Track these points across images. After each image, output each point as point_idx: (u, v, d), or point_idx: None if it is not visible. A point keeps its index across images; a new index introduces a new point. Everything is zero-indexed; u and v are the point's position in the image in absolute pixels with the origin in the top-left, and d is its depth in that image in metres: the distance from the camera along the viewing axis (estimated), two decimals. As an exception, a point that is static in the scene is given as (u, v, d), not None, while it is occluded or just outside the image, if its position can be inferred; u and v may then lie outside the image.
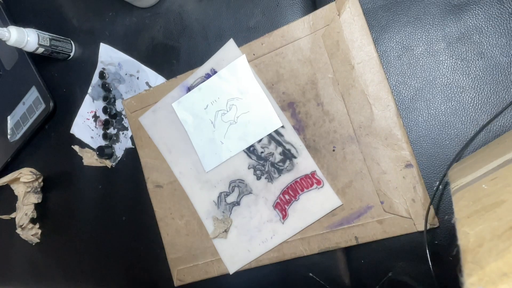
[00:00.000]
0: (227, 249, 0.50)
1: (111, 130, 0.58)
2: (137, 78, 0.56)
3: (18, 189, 0.63)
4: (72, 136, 0.61)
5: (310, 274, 0.48)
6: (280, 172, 0.47)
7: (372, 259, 0.44)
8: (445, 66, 0.41)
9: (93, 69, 0.59)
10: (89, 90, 0.59)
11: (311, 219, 0.46)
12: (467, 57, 0.40)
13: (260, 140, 0.48)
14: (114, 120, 0.58)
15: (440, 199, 0.41)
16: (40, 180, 0.63)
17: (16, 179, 0.62)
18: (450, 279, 0.41)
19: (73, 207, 0.62)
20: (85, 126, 0.60)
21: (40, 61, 0.61)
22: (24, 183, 0.62)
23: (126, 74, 0.57)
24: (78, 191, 0.58)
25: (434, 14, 0.41)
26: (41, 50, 0.56)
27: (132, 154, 0.57)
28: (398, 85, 0.43)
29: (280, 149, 0.47)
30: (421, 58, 0.42)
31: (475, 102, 0.40)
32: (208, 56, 0.50)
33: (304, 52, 0.45)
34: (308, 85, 0.46)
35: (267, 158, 0.48)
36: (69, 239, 0.57)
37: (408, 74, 0.42)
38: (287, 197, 0.47)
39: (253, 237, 0.49)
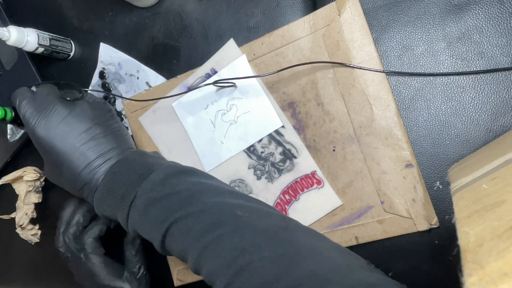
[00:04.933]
0: (227, 249, 0.50)
1: (111, 130, 0.58)
2: (137, 78, 0.56)
3: (20, 188, 0.63)
4: (72, 136, 0.61)
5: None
6: (280, 172, 0.47)
7: (372, 259, 0.44)
8: (445, 66, 0.41)
9: (93, 69, 0.59)
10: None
11: (311, 219, 0.46)
12: (468, 57, 0.40)
13: (260, 140, 0.48)
14: (114, 120, 0.58)
15: (440, 199, 0.41)
16: (42, 179, 0.63)
17: (19, 178, 0.62)
18: (450, 279, 0.41)
19: (73, 207, 0.61)
20: (85, 126, 0.60)
21: (40, 61, 0.61)
22: (27, 182, 0.62)
23: (126, 74, 0.57)
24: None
25: (434, 14, 0.41)
26: (41, 50, 0.56)
27: (132, 154, 0.57)
28: (399, 85, 0.43)
29: (280, 149, 0.47)
30: (421, 58, 0.42)
31: (476, 102, 0.40)
32: (208, 56, 0.50)
33: (304, 52, 0.45)
34: (308, 85, 0.46)
35: (267, 158, 0.48)
36: (69, 239, 0.57)
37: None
38: (287, 197, 0.47)
39: (253, 237, 0.49)
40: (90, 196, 0.43)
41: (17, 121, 0.46)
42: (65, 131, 0.43)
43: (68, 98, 0.44)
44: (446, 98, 0.41)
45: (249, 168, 0.49)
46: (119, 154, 0.43)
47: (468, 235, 0.24)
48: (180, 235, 0.38)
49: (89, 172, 0.42)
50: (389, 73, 0.43)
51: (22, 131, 0.61)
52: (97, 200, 0.42)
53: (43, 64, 0.61)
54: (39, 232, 0.65)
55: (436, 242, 0.41)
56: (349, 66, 0.43)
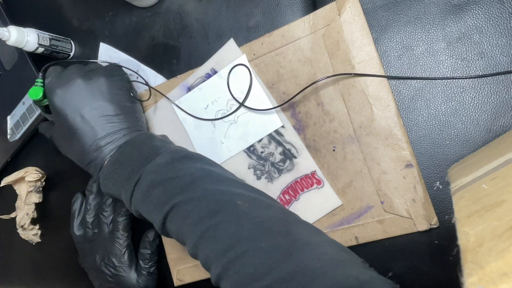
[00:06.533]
0: (227, 249, 0.50)
1: (111, 130, 0.58)
2: (137, 77, 0.56)
3: (20, 188, 0.63)
4: (72, 136, 0.61)
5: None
6: (280, 172, 0.47)
7: (372, 259, 0.44)
8: (445, 66, 0.41)
9: (93, 69, 0.59)
10: (89, 90, 0.59)
11: (311, 219, 0.46)
12: (467, 57, 0.40)
13: (260, 140, 0.48)
14: (114, 120, 0.58)
15: (440, 199, 0.41)
16: (43, 179, 0.63)
17: (20, 179, 0.62)
18: (450, 279, 0.41)
19: (73, 207, 0.61)
20: (85, 126, 0.60)
21: (40, 61, 0.61)
22: (28, 182, 0.62)
23: (126, 74, 0.57)
24: (78, 191, 0.58)
25: (434, 14, 0.41)
26: (41, 50, 0.56)
27: (132, 154, 0.57)
28: (398, 85, 0.43)
29: (280, 149, 0.47)
30: (421, 58, 0.42)
31: (475, 102, 0.40)
32: (208, 56, 0.50)
33: (304, 52, 0.45)
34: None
35: (267, 158, 0.48)
36: (70, 238, 0.57)
37: (408, 74, 0.42)
38: (287, 197, 0.47)
39: (253, 237, 0.49)
40: (95, 173, 0.44)
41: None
42: (79, 105, 0.44)
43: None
44: (446, 98, 0.41)
45: (249, 168, 0.49)
46: (128, 135, 0.44)
47: (468, 235, 0.24)
48: (179, 219, 0.38)
49: (96, 149, 0.43)
50: (390, 78, 0.43)
51: (23, 131, 0.61)
52: (103, 178, 0.43)
53: (43, 64, 0.61)
54: (40, 232, 0.65)
55: (436, 242, 0.41)
56: (355, 75, 0.43)
